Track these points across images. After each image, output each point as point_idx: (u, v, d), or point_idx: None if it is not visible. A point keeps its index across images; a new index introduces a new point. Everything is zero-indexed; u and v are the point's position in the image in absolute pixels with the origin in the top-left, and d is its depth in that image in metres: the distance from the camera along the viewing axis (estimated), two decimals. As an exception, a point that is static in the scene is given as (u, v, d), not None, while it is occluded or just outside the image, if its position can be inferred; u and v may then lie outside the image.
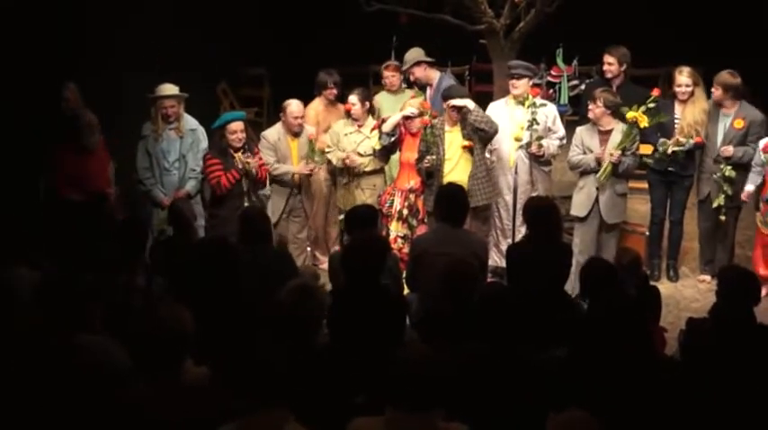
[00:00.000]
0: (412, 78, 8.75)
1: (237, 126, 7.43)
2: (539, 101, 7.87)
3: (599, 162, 7.49)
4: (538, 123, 7.74)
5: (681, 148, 7.82)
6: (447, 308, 4.84)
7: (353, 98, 8.01)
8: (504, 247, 7.87)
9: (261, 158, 7.69)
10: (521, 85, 7.86)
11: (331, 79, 8.47)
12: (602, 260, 5.91)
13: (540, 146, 7.76)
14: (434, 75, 8.77)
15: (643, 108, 7.47)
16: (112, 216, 7.03)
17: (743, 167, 7.81)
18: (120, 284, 5.15)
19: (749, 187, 7.74)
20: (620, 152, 7.42)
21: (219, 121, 7.54)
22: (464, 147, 7.46)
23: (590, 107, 7.58)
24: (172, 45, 9.53)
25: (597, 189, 7.59)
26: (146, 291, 5.24)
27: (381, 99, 8.68)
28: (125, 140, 8.13)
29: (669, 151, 7.83)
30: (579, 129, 7.81)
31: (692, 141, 7.81)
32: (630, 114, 7.40)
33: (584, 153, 7.64)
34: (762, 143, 7.65)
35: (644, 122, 7.41)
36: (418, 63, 8.67)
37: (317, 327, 4.50)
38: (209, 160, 7.50)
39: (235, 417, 3.53)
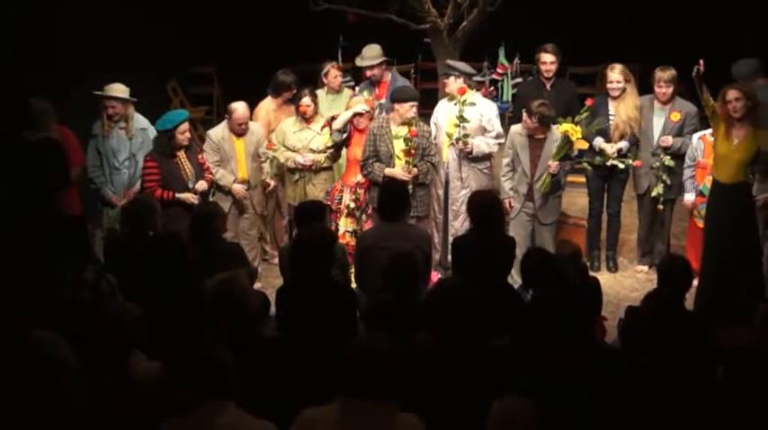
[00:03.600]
0: (369, 74, 8.69)
1: (186, 126, 7.33)
2: (470, 99, 7.75)
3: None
4: (467, 121, 7.67)
5: (619, 161, 7.90)
6: (390, 300, 4.83)
7: (307, 99, 7.93)
8: (436, 240, 7.98)
9: (203, 160, 7.62)
10: (449, 83, 7.90)
11: (292, 80, 8.42)
12: (541, 250, 5.92)
13: (467, 143, 7.73)
14: (387, 74, 8.79)
15: (578, 118, 7.52)
16: (56, 214, 6.84)
17: (680, 158, 7.91)
18: (66, 281, 5.04)
19: (689, 196, 7.82)
20: (557, 163, 7.46)
21: (170, 124, 7.30)
22: (406, 153, 7.45)
23: (524, 118, 7.56)
24: (122, 44, 9.39)
25: (524, 195, 7.65)
26: (94, 288, 5.14)
27: (320, 97, 8.51)
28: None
29: (609, 164, 7.92)
30: (513, 129, 7.80)
31: (630, 163, 7.90)
32: (563, 128, 7.42)
33: (515, 155, 7.67)
34: (695, 137, 7.75)
35: (576, 135, 7.42)
36: (380, 63, 8.64)
37: (243, 317, 4.44)
38: (148, 162, 7.34)
39: (182, 412, 3.49)
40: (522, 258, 5.46)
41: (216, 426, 3.47)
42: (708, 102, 7.02)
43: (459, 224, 7.86)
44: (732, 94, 6.84)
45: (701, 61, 7.02)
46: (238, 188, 7.79)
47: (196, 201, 7.23)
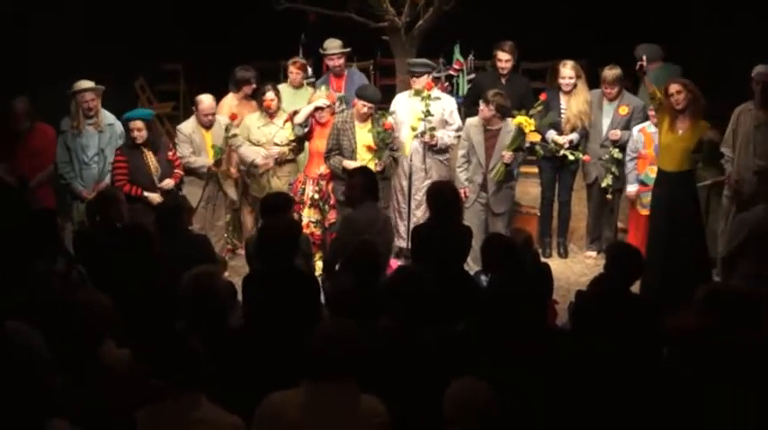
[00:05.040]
0: (332, 64, 8.73)
1: (135, 125, 7.31)
2: (434, 94, 7.91)
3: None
4: (432, 115, 7.79)
5: (569, 153, 8.01)
6: (352, 286, 4.84)
7: (271, 94, 7.95)
8: (401, 229, 8.00)
9: (175, 156, 7.60)
10: (421, 81, 7.92)
11: (252, 75, 8.43)
12: (503, 236, 5.95)
13: (433, 136, 7.83)
14: (346, 69, 8.85)
15: (533, 111, 7.62)
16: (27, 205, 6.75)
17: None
18: (36, 271, 4.98)
19: (632, 187, 7.91)
20: (511, 153, 7.52)
21: (126, 116, 7.45)
22: (369, 148, 7.49)
23: (481, 107, 7.61)
24: (91, 41, 9.30)
25: (479, 185, 7.70)
26: (64, 278, 5.09)
27: (282, 92, 8.51)
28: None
29: (560, 154, 8.01)
30: (469, 122, 7.84)
31: (581, 156, 8.02)
32: (517, 121, 7.50)
33: (470, 147, 7.71)
34: (635, 129, 7.85)
35: (530, 127, 7.51)
36: (342, 53, 8.72)
37: (217, 310, 4.42)
38: (117, 157, 7.40)
39: (152, 401, 3.46)
40: (483, 243, 5.48)
41: (190, 421, 3.43)
42: (655, 95, 7.12)
43: (422, 213, 7.88)
44: (674, 87, 6.95)
45: (644, 58, 7.16)
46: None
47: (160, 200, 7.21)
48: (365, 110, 7.47)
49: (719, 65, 8.66)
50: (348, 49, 8.83)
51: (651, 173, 7.72)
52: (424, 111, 7.76)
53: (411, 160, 7.99)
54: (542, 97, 7.87)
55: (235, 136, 7.90)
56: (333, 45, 8.72)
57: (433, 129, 7.82)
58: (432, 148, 7.93)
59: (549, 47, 9.68)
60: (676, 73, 8.11)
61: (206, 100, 7.81)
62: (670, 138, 7.03)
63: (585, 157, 8.06)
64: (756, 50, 7.89)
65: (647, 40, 8.42)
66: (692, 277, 6.66)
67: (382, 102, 8.21)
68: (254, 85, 8.40)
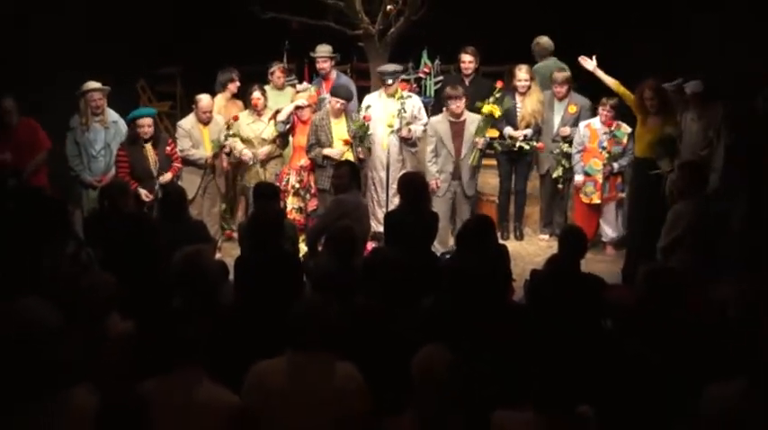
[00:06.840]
0: (319, 67, 8.73)
1: (145, 121, 7.32)
2: (406, 93, 8.05)
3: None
4: (406, 112, 7.90)
5: (525, 143, 8.09)
6: (332, 266, 4.85)
7: (257, 93, 7.94)
8: (380, 216, 8.01)
9: (173, 151, 7.59)
10: (392, 88, 8.00)
11: (234, 74, 8.46)
12: (480, 216, 5.96)
13: (409, 130, 7.91)
14: (333, 72, 8.86)
15: (492, 99, 7.72)
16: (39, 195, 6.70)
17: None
18: (48, 253, 4.95)
19: (578, 178, 8.00)
20: (482, 139, 7.66)
21: (132, 115, 7.42)
22: (345, 142, 7.58)
23: (448, 106, 7.70)
24: (97, 48, 9.23)
25: (451, 173, 7.77)
26: (74, 259, 5.06)
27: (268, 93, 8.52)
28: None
29: (516, 146, 8.08)
30: (433, 120, 7.95)
31: (535, 145, 8.11)
32: (486, 108, 7.66)
33: (438, 142, 7.76)
34: (582, 125, 7.92)
35: (497, 112, 7.69)
36: (332, 57, 8.75)
37: (207, 285, 4.40)
38: (119, 151, 7.40)
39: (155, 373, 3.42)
40: (464, 223, 5.55)
41: (192, 400, 3.34)
42: (618, 88, 7.43)
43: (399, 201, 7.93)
44: (648, 93, 7.18)
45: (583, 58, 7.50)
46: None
47: (147, 199, 7.25)
48: (338, 106, 7.58)
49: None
50: (336, 55, 8.84)
51: (594, 165, 7.86)
52: (399, 110, 7.86)
53: (389, 153, 8.04)
54: (498, 84, 7.93)
55: (235, 136, 7.89)
56: (322, 49, 8.73)
57: (408, 124, 7.91)
58: (406, 142, 8.02)
59: (505, 52, 9.70)
60: (563, 68, 8.36)
61: (205, 99, 7.83)
62: (641, 131, 7.36)
63: (540, 145, 8.12)
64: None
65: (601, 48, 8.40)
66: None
67: (358, 102, 8.24)
68: (237, 82, 8.46)
